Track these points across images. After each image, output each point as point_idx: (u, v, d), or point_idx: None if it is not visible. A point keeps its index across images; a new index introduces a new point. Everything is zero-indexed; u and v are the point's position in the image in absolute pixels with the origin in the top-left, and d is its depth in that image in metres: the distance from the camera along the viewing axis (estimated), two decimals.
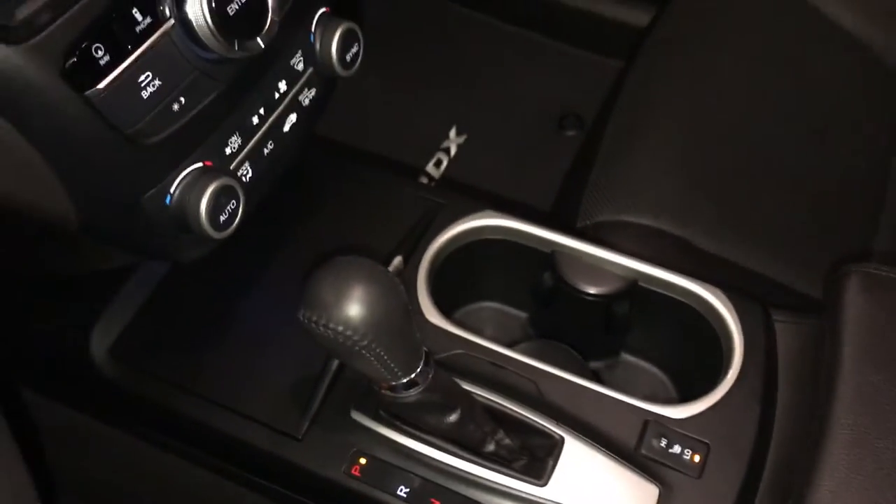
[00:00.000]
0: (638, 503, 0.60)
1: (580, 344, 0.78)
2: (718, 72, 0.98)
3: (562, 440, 0.62)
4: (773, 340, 0.69)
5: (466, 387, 0.63)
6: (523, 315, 0.81)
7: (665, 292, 0.72)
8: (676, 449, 0.63)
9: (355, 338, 0.50)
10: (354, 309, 0.49)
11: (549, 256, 0.74)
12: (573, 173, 0.99)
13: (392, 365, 0.53)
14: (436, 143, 1.27)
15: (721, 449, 0.63)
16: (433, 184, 1.23)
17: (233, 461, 0.64)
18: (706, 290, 0.71)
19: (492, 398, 0.64)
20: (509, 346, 0.69)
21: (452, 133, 1.29)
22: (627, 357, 0.80)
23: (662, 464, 0.62)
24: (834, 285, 0.64)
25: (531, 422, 0.63)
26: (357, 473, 0.62)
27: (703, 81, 0.98)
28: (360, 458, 0.62)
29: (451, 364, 0.66)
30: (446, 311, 0.74)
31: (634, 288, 0.73)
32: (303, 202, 0.76)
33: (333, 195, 0.77)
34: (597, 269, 0.73)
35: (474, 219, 0.74)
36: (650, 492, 0.61)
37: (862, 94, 1.00)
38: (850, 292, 0.62)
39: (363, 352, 0.51)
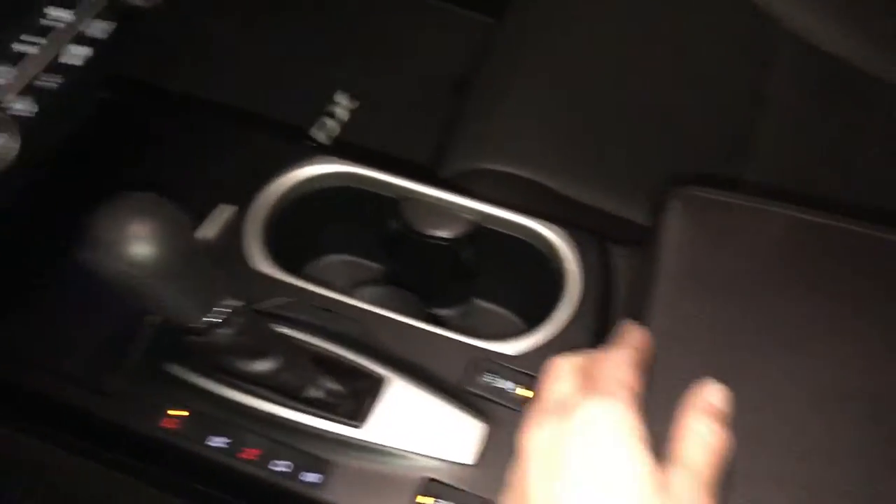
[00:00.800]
0: (463, 439, 0.59)
1: (430, 291, 0.76)
2: (587, 20, 0.97)
3: (382, 380, 0.61)
4: (609, 274, 0.68)
5: (286, 331, 0.61)
6: (376, 266, 0.80)
7: (508, 232, 0.71)
8: (505, 384, 0.62)
9: (138, 275, 0.48)
10: (133, 245, 0.47)
11: (395, 203, 0.72)
12: (446, 128, 0.98)
13: (187, 304, 0.51)
14: (321, 107, 1.24)
15: None
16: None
17: (45, 420, 0.62)
18: (546, 227, 0.70)
19: (312, 342, 0.62)
20: (348, 293, 0.68)
21: (340, 97, 1.26)
22: (481, 303, 0.78)
23: (490, 400, 0.61)
24: (657, 210, 0.62)
25: (352, 363, 0.61)
26: (171, 426, 0.60)
27: (571, 31, 0.96)
28: (173, 410, 0.60)
29: (279, 312, 0.64)
30: (296, 263, 0.72)
31: (478, 231, 0.71)
32: (132, 147, 0.73)
33: (172, 143, 0.74)
34: (441, 213, 0.71)
35: (315, 165, 0.72)
36: (476, 427, 0.60)
37: (732, 35, 0.99)
38: (669, 216, 0.61)
39: (150, 290, 0.49)
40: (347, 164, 0.72)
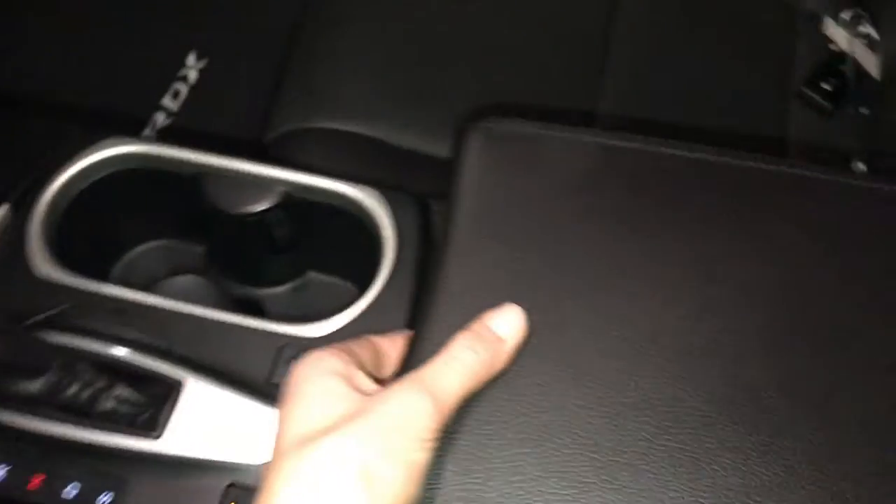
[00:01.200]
0: (267, 436, 0.55)
1: (253, 270, 0.71)
2: None
3: (180, 384, 0.56)
4: (427, 236, 0.63)
5: (68, 342, 0.56)
6: (199, 249, 0.74)
7: (321, 200, 0.66)
8: None
9: None
10: None
11: (196, 180, 0.66)
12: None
13: None
14: (172, 73, 1.16)
15: None
16: (171, 119, 1.12)
17: None
18: (359, 191, 0.64)
19: (99, 350, 0.56)
20: (144, 288, 0.62)
21: (191, 59, 1.18)
22: (317, 275, 0.73)
23: None
24: (456, 147, 0.56)
25: (145, 369, 0.56)
26: None
27: None
28: None
29: (63, 320, 0.58)
30: (100, 261, 0.66)
31: (289, 201, 0.66)
32: None
33: None
34: (247, 187, 0.66)
35: (99, 150, 0.66)
36: None
37: None
38: (467, 152, 0.54)
39: None
40: (136, 144, 0.66)
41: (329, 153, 0.78)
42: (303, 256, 0.71)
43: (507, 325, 0.42)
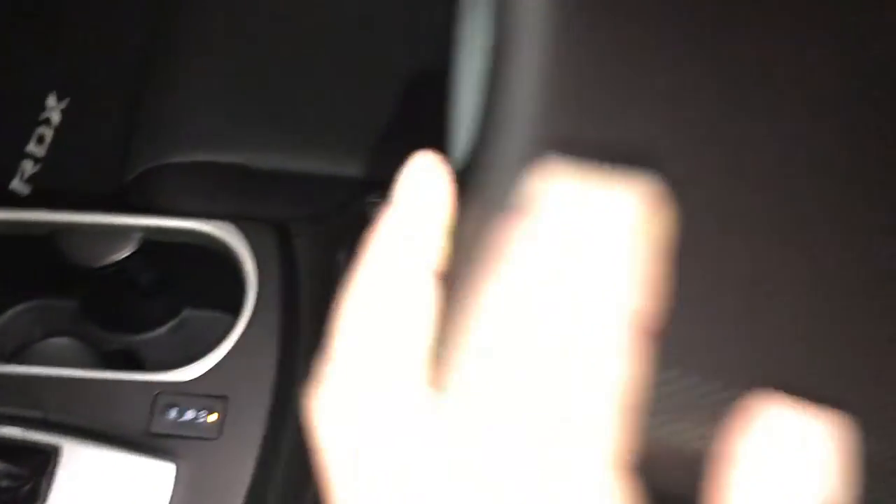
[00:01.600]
0: (152, 489, 0.56)
1: (129, 317, 0.71)
2: None
3: (56, 450, 0.56)
4: (288, 263, 0.64)
5: None
6: (71, 304, 0.73)
7: (180, 240, 0.66)
8: (190, 415, 0.58)
9: None
10: None
11: (49, 239, 0.66)
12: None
13: None
14: (34, 117, 1.14)
15: (241, 398, 0.58)
16: (39, 165, 1.10)
17: None
18: (215, 226, 0.65)
19: None
20: (17, 354, 0.62)
21: (51, 100, 1.15)
22: (192, 312, 0.74)
23: (177, 436, 0.57)
24: None
25: (17, 441, 0.56)
26: None
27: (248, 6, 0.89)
28: None
29: None
30: None
31: (148, 245, 0.66)
32: None
33: None
34: (100, 238, 0.66)
35: None
36: (166, 472, 0.56)
37: None
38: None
39: None
40: None
41: (191, 187, 0.78)
42: (175, 297, 0.71)
43: None
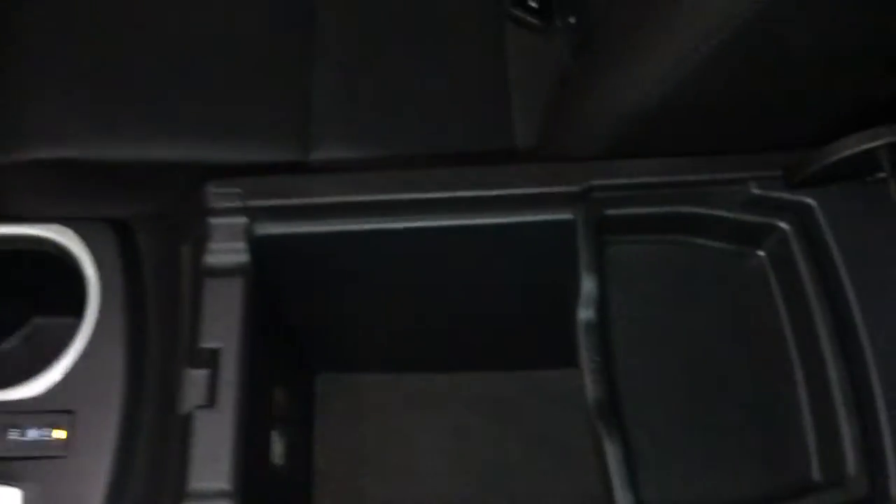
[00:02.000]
0: None
1: None
2: None
3: None
4: (130, 262, 0.61)
5: None
6: None
7: (18, 247, 0.62)
8: (34, 434, 0.55)
9: None
10: None
11: None
12: None
13: None
14: None
15: (88, 412, 0.56)
16: None
17: None
18: (49, 230, 0.62)
19: None
20: None
21: None
22: (45, 319, 0.70)
23: (22, 458, 0.55)
24: None
25: None
26: None
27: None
28: None
29: None
30: None
31: None
32: None
33: None
34: None
35: None
36: (11, 497, 0.53)
37: None
38: None
39: None
40: None
41: (18, 188, 0.73)
42: (20, 304, 0.68)
43: None
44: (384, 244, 0.61)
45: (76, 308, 0.69)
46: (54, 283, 0.65)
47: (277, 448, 0.64)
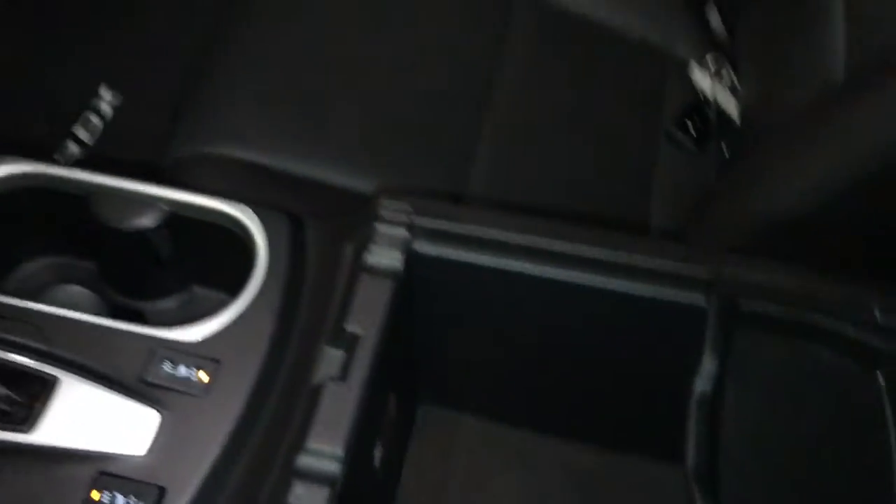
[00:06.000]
0: (137, 431, 0.59)
1: (142, 283, 0.75)
2: (317, 8, 0.96)
3: (54, 381, 0.60)
4: (297, 251, 0.68)
5: None
6: (89, 265, 0.78)
7: (202, 217, 0.71)
8: (183, 371, 0.62)
9: None
10: None
11: (83, 199, 0.71)
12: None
13: None
14: (82, 104, 1.20)
15: (232, 365, 0.62)
16: (82, 149, 1.16)
17: None
18: (235, 208, 0.70)
19: None
20: (32, 298, 0.67)
21: (104, 91, 1.22)
22: (202, 290, 0.78)
23: (167, 388, 0.61)
24: None
25: (21, 367, 0.60)
26: None
27: (302, 17, 0.95)
28: None
29: None
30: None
31: (173, 219, 0.71)
32: None
33: None
34: (131, 205, 0.70)
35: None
36: (150, 418, 0.60)
37: (468, 12, 1.00)
38: None
39: None
40: (31, 165, 0.71)
41: (218, 177, 0.83)
42: (187, 271, 0.76)
43: None
44: (521, 288, 0.66)
45: (231, 285, 0.77)
46: (220, 259, 0.74)
47: (377, 453, 0.69)
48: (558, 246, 0.63)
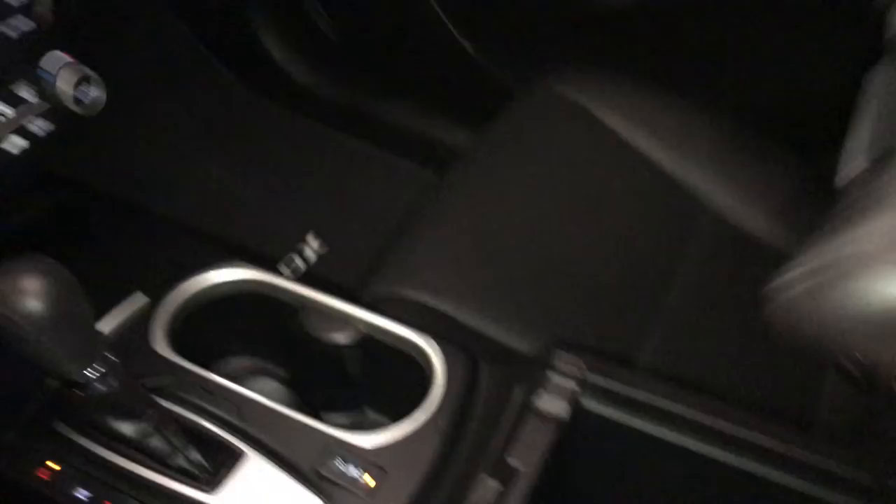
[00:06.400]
0: None
1: (321, 395, 0.83)
2: (514, 180, 1.07)
3: (241, 454, 0.67)
4: (471, 384, 0.74)
5: (162, 401, 0.68)
6: (278, 370, 0.86)
7: (390, 343, 0.78)
8: (353, 471, 0.67)
9: (20, 322, 0.56)
10: (19, 295, 0.56)
11: (294, 309, 0.80)
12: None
13: (60, 356, 0.59)
14: (291, 244, 1.35)
15: (397, 476, 0.67)
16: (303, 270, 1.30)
17: None
18: (421, 338, 0.77)
19: (183, 413, 0.69)
20: (231, 379, 0.75)
21: (311, 239, 1.37)
22: (371, 413, 0.84)
23: (337, 484, 0.66)
24: None
25: (215, 436, 0.68)
26: (44, 477, 0.66)
27: (499, 188, 1.07)
28: (50, 463, 0.66)
29: (166, 388, 0.71)
30: (205, 356, 0.80)
31: (366, 339, 0.78)
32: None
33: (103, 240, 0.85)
34: (334, 321, 0.79)
35: (224, 269, 0.81)
36: None
37: (650, 205, 1.09)
38: None
39: (32, 338, 0.57)
40: (255, 271, 0.82)
41: (409, 318, 0.91)
42: (365, 392, 0.83)
43: None
44: (677, 462, 0.69)
45: (400, 412, 0.83)
46: (396, 384, 0.80)
47: None
48: (728, 428, 0.66)
